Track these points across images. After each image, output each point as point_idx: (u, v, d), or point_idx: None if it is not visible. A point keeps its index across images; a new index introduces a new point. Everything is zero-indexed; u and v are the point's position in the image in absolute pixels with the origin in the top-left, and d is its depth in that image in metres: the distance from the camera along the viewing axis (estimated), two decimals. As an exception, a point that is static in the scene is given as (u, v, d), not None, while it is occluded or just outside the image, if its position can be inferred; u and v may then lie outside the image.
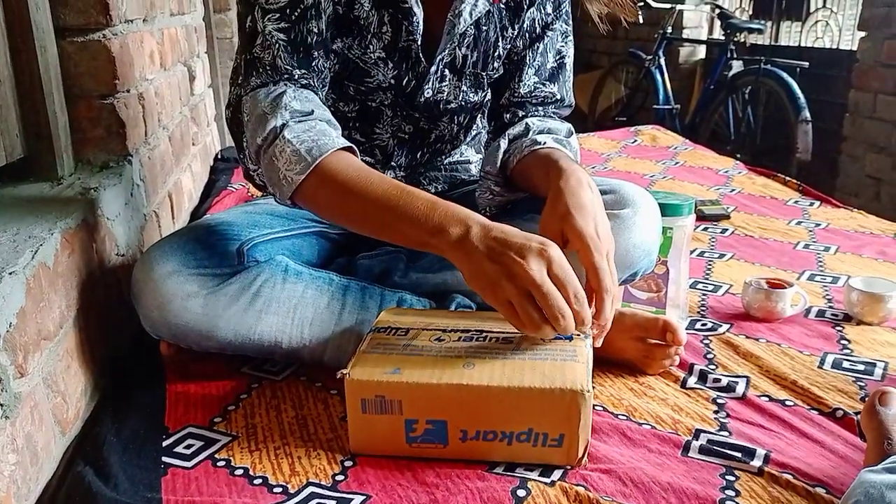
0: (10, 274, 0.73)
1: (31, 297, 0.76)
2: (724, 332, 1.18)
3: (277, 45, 0.93)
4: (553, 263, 0.77)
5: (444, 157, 1.21)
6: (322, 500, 0.76)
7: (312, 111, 0.92)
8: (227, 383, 1.00)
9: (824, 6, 3.61)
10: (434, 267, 1.10)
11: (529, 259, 0.76)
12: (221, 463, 0.83)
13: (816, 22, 3.66)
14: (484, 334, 0.88)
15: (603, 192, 1.03)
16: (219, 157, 2.18)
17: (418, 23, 1.00)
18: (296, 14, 0.93)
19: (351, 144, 0.91)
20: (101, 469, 0.79)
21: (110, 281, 1.04)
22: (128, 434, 0.87)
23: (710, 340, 1.15)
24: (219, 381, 1.00)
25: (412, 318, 0.94)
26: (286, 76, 0.93)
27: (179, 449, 0.85)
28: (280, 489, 0.78)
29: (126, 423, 0.89)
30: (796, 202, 1.99)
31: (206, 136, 2.05)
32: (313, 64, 0.96)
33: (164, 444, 0.86)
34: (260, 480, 0.80)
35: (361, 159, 1.13)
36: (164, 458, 0.83)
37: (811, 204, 1.97)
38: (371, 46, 1.01)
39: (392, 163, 1.16)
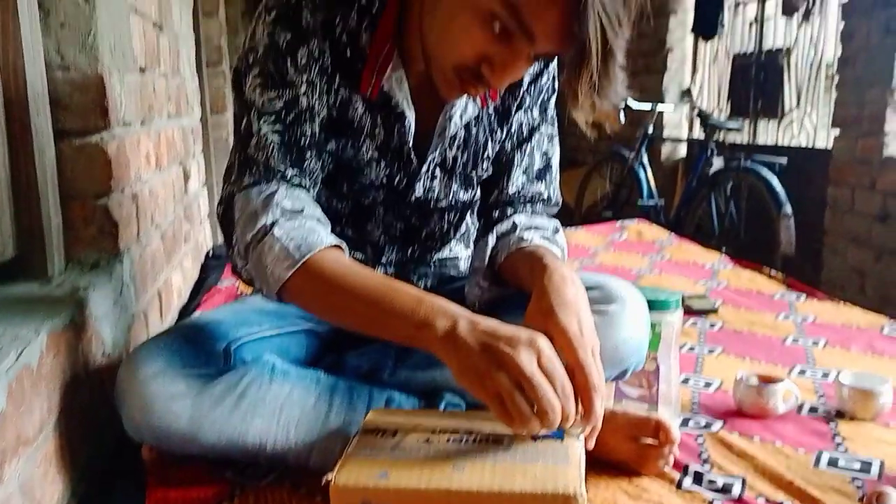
0: (-7, 377, 0.72)
1: (13, 400, 0.75)
2: (717, 430, 1.16)
3: (271, 146, 0.95)
4: (542, 355, 0.77)
5: (433, 253, 1.23)
6: None
7: (303, 209, 0.94)
8: (208, 489, 0.96)
9: (798, 106, 3.77)
10: (423, 364, 1.09)
11: (520, 350, 0.75)
12: (201, 575, 0.79)
13: (792, 121, 3.81)
14: (473, 435, 0.87)
15: (589, 288, 1.04)
16: (210, 254, 2.20)
17: (410, 125, 1.04)
18: (291, 117, 0.97)
19: (340, 242, 0.93)
20: (74, 583, 0.75)
21: (94, 382, 1.02)
22: (104, 544, 0.83)
23: (704, 439, 1.13)
24: (200, 487, 0.97)
25: (400, 419, 0.92)
26: (279, 175, 0.96)
27: (157, 560, 0.82)
28: None
29: (103, 533, 0.86)
30: (783, 296, 2.00)
31: (198, 233, 2.08)
32: (305, 164, 0.98)
33: (142, 555, 0.83)
34: None
35: (352, 255, 1.15)
36: (141, 571, 0.80)
37: (798, 297, 1.99)
38: (364, 147, 1.05)
39: (382, 259, 1.17)
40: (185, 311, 1.69)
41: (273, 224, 0.90)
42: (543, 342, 0.78)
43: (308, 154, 0.98)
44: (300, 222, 0.92)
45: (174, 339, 0.96)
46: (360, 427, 0.90)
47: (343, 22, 0.98)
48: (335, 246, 0.92)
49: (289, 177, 0.96)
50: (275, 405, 0.95)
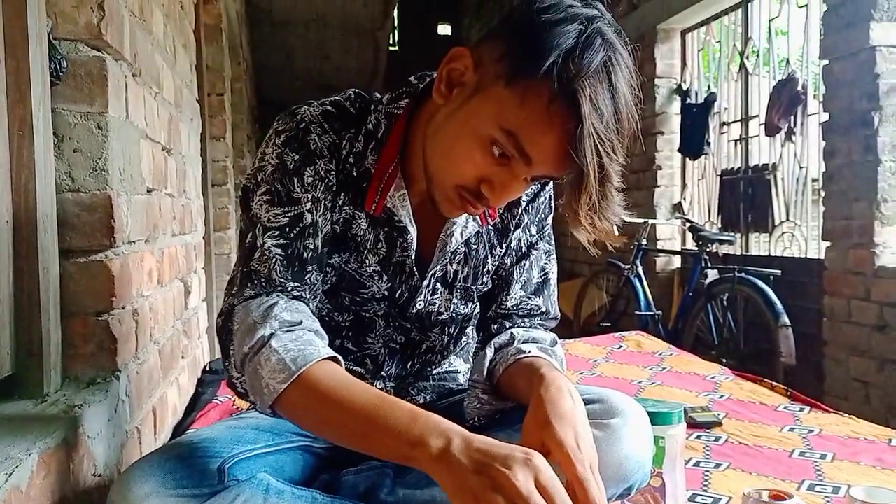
0: (-19, 499, 0.70)
1: (-1, 524, 0.73)
2: (728, 551, 1.12)
3: (274, 260, 0.97)
4: (540, 474, 0.75)
5: (433, 367, 1.23)
6: None
7: (301, 321, 0.94)
8: None
9: (788, 219, 3.85)
10: (422, 483, 1.06)
11: (516, 470, 0.74)
12: None
13: (783, 233, 3.89)
14: (475, 558, 0.83)
15: (590, 402, 1.04)
16: (207, 369, 2.18)
17: (412, 240, 1.07)
18: (295, 232, 0.99)
19: (336, 355, 0.93)
20: None
21: (83, 504, 0.99)
22: None
23: (715, 560, 1.09)
24: None
25: (399, 541, 0.89)
26: (279, 288, 0.97)
27: None
28: None
29: None
30: (786, 408, 1.97)
31: (195, 348, 2.07)
32: (307, 277, 1.00)
33: None
34: None
35: (352, 369, 1.15)
36: None
37: (801, 409, 1.96)
38: (367, 261, 1.07)
39: (382, 373, 1.16)
40: (180, 427, 1.65)
41: (271, 336, 0.91)
42: (539, 461, 0.76)
43: (310, 267, 1.00)
44: (298, 334, 0.92)
45: (167, 458, 0.94)
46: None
47: (350, 144, 1.03)
48: (332, 358, 0.92)
49: (290, 289, 0.98)
50: (269, 527, 0.92)
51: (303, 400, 0.88)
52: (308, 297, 1.00)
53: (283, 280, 0.97)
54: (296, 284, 0.98)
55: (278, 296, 0.96)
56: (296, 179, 1.00)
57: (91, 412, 1.03)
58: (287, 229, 0.99)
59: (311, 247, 1.00)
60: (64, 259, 1.14)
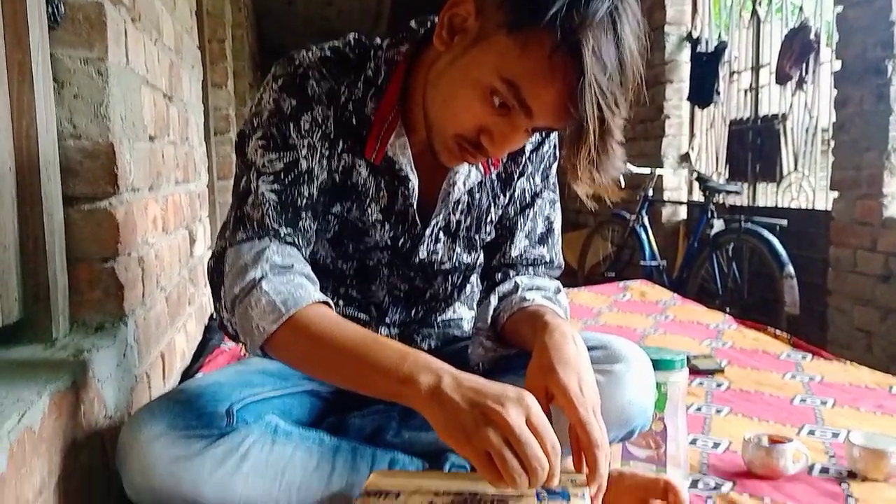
0: (-6, 439, 0.71)
1: (14, 463, 0.74)
2: (727, 492, 1.14)
3: (267, 205, 0.97)
4: (531, 413, 0.76)
5: (437, 314, 1.23)
6: None
7: (292, 265, 0.95)
8: (209, 555, 0.94)
9: (796, 169, 3.82)
10: (427, 425, 1.06)
11: (508, 407, 0.75)
12: None
13: (790, 184, 3.86)
14: (478, 497, 0.85)
15: (594, 348, 1.04)
16: (213, 316, 2.20)
17: (413, 188, 1.06)
18: (289, 178, 0.99)
19: (327, 299, 0.93)
20: None
21: (95, 444, 1.01)
22: None
23: (714, 500, 1.11)
24: (201, 552, 0.95)
25: (403, 481, 0.91)
26: (272, 233, 0.97)
27: None
28: None
29: None
30: (789, 355, 1.99)
31: (202, 296, 2.08)
32: (300, 224, 1.00)
33: None
34: None
35: (356, 316, 1.15)
36: None
37: (804, 357, 1.97)
38: (369, 210, 1.07)
39: (386, 319, 1.17)
40: (188, 372, 1.68)
41: (262, 278, 0.91)
42: (531, 400, 0.77)
43: (303, 215, 1.00)
44: (289, 277, 0.93)
45: (176, 400, 0.96)
46: (362, 489, 0.89)
47: (349, 91, 1.01)
48: (323, 302, 0.92)
49: (282, 235, 0.98)
50: (277, 467, 0.94)
51: (293, 341, 0.89)
52: (301, 243, 1.00)
53: (275, 226, 0.97)
54: (288, 230, 0.98)
55: (270, 240, 0.96)
56: (292, 125, 0.98)
57: (100, 356, 1.05)
58: (281, 175, 0.98)
59: (306, 194, 1.00)
60: (68, 206, 1.14)
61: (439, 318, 1.24)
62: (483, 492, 0.86)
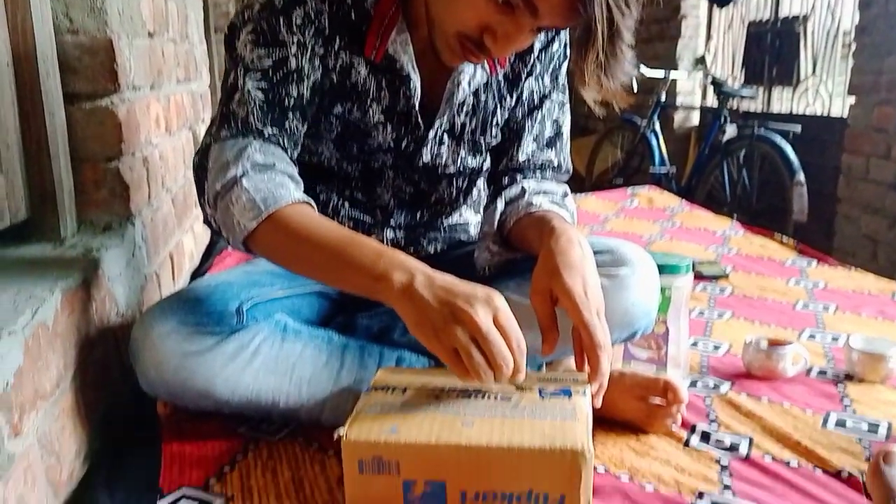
0: (10, 334, 0.73)
1: (30, 356, 0.76)
2: (725, 392, 1.17)
3: (253, 103, 0.95)
4: (499, 312, 0.78)
5: (443, 218, 1.23)
6: (318, 565, 0.74)
7: (274, 164, 0.94)
8: (223, 443, 0.98)
9: (814, 73, 3.71)
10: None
11: (476, 306, 0.76)
12: (215, 526, 0.81)
13: (807, 89, 3.76)
14: (482, 392, 0.88)
15: (600, 252, 1.04)
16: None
17: (415, 88, 1.03)
18: (278, 77, 0.96)
19: (308, 199, 0.93)
20: (93, 533, 0.77)
21: (108, 341, 1.04)
22: (122, 496, 0.85)
23: (712, 400, 1.14)
24: (215, 441, 0.99)
25: (409, 377, 0.93)
26: (255, 133, 0.96)
27: (173, 512, 0.84)
28: (275, 553, 0.76)
29: (120, 485, 0.88)
30: (794, 262, 2.00)
31: (208, 199, 2.08)
32: (286, 125, 0.98)
33: (158, 506, 0.85)
34: (254, 544, 0.78)
35: (361, 219, 1.15)
36: (158, 522, 0.82)
37: (809, 263, 1.98)
38: (371, 111, 1.04)
39: (391, 222, 1.17)
40: (197, 273, 1.70)
41: (242, 176, 0.91)
42: (500, 301, 0.79)
43: (291, 115, 0.98)
44: (270, 176, 0.92)
45: (186, 298, 0.97)
46: (370, 384, 0.92)
47: None
48: (304, 202, 0.92)
49: (266, 135, 0.96)
50: (287, 363, 0.96)
51: (273, 238, 0.90)
52: (287, 144, 0.99)
53: (259, 125, 0.96)
54: (273, 131, 0.97)
55: (254, 139, 0.95)
56: (282, 19, 0.95)
57: (109, 256, 1.06)
58: (270, 73, 0.96)
59: (294, 94, 0.97)
60: (69, 104, 1.12)
61: (445, 223, 1.24)
62: (488, 388, 0.89)
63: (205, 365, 0.92)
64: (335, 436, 0.80)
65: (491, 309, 0.77)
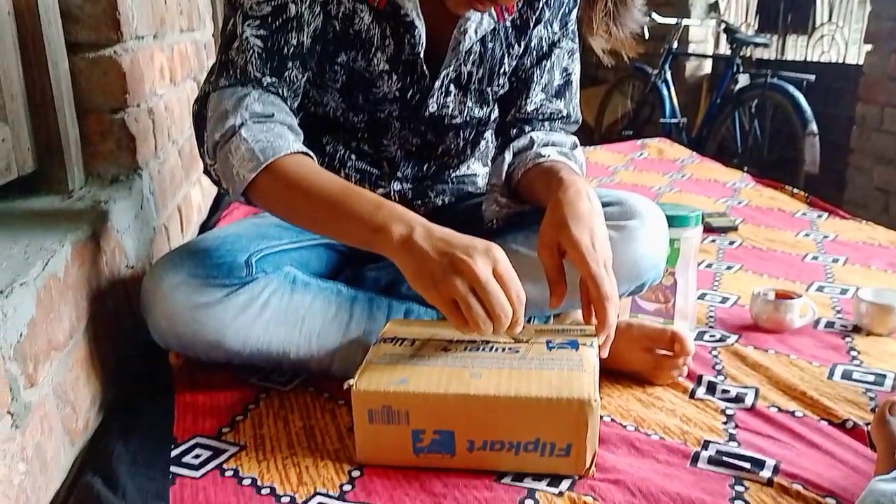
0: (22, 285, 0.73)
1: (42, 308, 0.77)
2: (732, 344, 1.17)
3: (252, 52, 0.94)
4: (498, 264, 0.78)
5: (451, 170, 1.22)
6: (329, 511, 0.76)
7: (273, 114, 0.93)
8: (234, 393, 1.00)
9: (830, 20, 3.62)
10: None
11: (475, 257, 0.77)
12: (229, 473, 0.83)
13: (822, 36, 3.67)
14: (490, 344, 0.89)
15: (610, 204, 1.04)
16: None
17: (420, 36, 1.01)
18: (277, 24, 0.95)
19: (307, 150, 0.92)
20: (110, 479, 0.79)
21: (119, 293, 1.05)
22: (136, 444, 0.87)
23: (719, 352, 1.15)
24: (227, 391, 1.00)
25: (418, 329, 0.94)
26: (254, 81, 0.95)
27: (188, 459, 0.86)
28: (287, 499, 0.78)
29: (134, 434, 0.89)
30: (804, 214, 1.98)
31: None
32: (286, 74, 0.97)
33: (173, 454, 0.86)
34: (268, 490, 0.80)
35: (368, 170, 1.14)
36: (173, 468, 0.84)
37: (819, 216, 1.97)
38: (375, 59, 1.02)
39: (398, 174, 1.16)
40: (206, 225, 1.70)
41: (241, 125, 0.90)
42: (499, 252, 0.79)
43: (290, 64, 0.97)
44: (269, 126, 0.92)
45: (195, 250, 0.98)
46: (379, 336, 0.92)
47: None
48: (303, 153, 0.92)
49: (265, 84, 0.95)
50: (297, 315, 0.97)
51: (272, 188, 0.90)
52: (287, 94, 0.98)
53: (258, 74, 0.94)
54: (273, 80, 0.95)
55: (253, 88, 0.94)
56: None
57: (117, 208, 1.06)
58: (269, 20, 0.94)
59: (294, 42, 0.96)
60: (72, 54, 1.11)
61: (453, 174, 1.23)
62: (495, 339, 0.89)
63: (215, 317, 0.93)
64: (345, 386, 0.81)
65: (490, 260, 0.78)
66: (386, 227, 0.81)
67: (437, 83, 1.06)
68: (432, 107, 1.09)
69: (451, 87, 1.08)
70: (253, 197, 0.92)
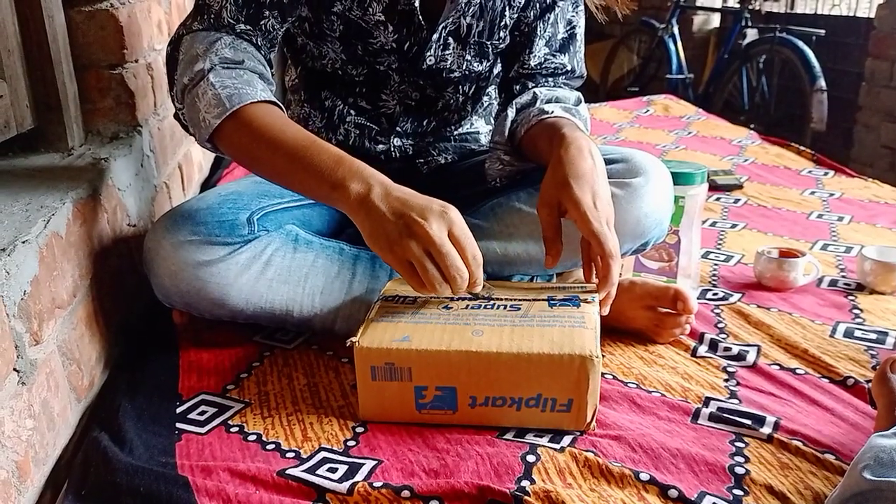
0: (24, 243, 0.73)
1: (45, 265, 0.77)
2: (735, 302, 1.17)
3: None
4: (454, 226, 0.78)
5: (453, 127, 1.20)
6: (334, 465, 0.76)
7: (243, 61, 0.92)
8: (239, 351, 1.01)
9: (842, -28, 3.54)
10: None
11: (430, 220, 0.77)
12: (235, 429, 0.84)
13: (833, -12, 3.60)
14: (492, 302, 0.89)
15: (615, 161, 1.03)
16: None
17: None
18: None
19: (274, 99, 0.91)
20: (117, 435, 0.80)
21: (122, 251, 1.05)
22: (142, 401, 0.88)
23: (722, 310, 1.15)
24: (231, 349, 1.01)
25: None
26: (227, 28, 0.93)
27: (193, 415, 0.87)
28: (293, 454, 0.79)
29: (140, 391, 0.90)
30: (810, 172, 1.96)
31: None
32: (262, 22, 0.95)
33: (178, 410, 0.87)
34: (273, 446, 0.81)
35: (366, 125, 1.13)
36: (178, 425, 0.84)
37: (825, 174, 1.95)
38: (371, 9, 1.00)
39: (397, 128, 1.15)
40: (207, 184, 1.70)
41: (210, 70, 0.89)
42: (455, 214, 0.79)
43: (267, 13, 0.95)
44: (238, 73, 0.90)
45: (198, 208, 0.97)
46: (381, 294, 0.93)
47: None
48: (271, 102, 0.90)
49: (239, 31, 0.94)
50: (300, 273, 0.97)
51: (237, 136, 0.89)
52: (261, 42, 0.96)
53: (232, 20, 0.93)
54: (247, 28, 0.94)
55: (226, 33, 0.93)
56: None
57: (118, 165, 1.05)
58: None
59: None
60: (68, 8, 1.09)
61: (455, 132, 1.21)
62: (497, 297, 0.90)
63: (218, 275, 0.93)
64: (348, 343, 0.81)
65: (445, 222, 0.77)
66: (343, 183, 0.81)
67: (435, 35, 1.04)
68: (430, 59, 1.07)
69: (450, 40, 1.06)
70: (219, 144, 0.91)
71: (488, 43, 1.09)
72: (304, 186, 0.86)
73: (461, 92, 1.15)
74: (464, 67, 1.10)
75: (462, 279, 0.78)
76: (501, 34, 1.08)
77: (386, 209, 0.78)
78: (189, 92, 0.90)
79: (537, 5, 1.08)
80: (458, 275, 0.77)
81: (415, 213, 0.77)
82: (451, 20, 1.03)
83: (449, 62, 1.08)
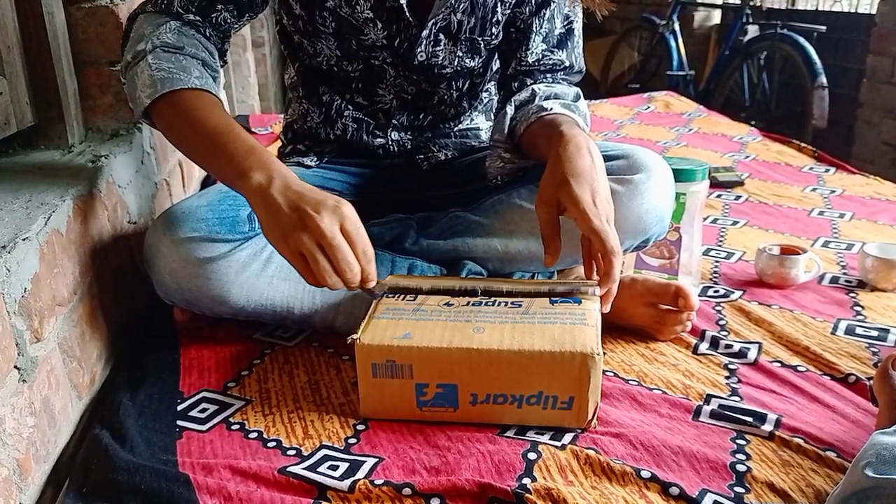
0: (24, 240, 0.73)
1: (45, 262, 0.77)
2: (736, 299, 1.17)
3: None
4: (346, 220, 0.79)
5: (452, 123, 1.20)
6: (335, 463, 0.76)
7: (183, 47, 0.93)
8: (240, 349, 1.01)
9: (843, -32, 3.54)
10: (444, 234, 1.10)
11: (323, 213, 0.77)
12: (235, 426, 0.84)
13: (835, -16, 3.59)
14: (493, 299, 0.89)
15: (616, 158, 1.02)
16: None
17: None
18: None
19: (207, 87, 0.92)
20: (118, 432, 0.80)
21: (122, 248, 1.05)
22: (143, 399, 0.88)
23: (723, 307, 1.15)
24: (232, 346, 1.01)
25: (420, 282, 0.94)
26: (175, 15, 0.95)
27: (194, 413, 0.87)
28: (294, 451, 0.79)
29: (141, 388, 0.90)
30: (811, 169, 1.96)
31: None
32: (213, 16, 0.97)
33: (179, 408, 0.87)
34: (273, 443, 0.81)
35: (362, 118, 1.13)
36: (179, 422, 0.84)
37: (826, 171, 1.95)
38: (359, 6, 1.00)
39: (394, 121, 1.15)
40: (207, 182, 1.69)
41: (150, 52, 0.91)
42: (348, 210, 0.79)
43: (220, 7, 0.97)
44: (177, 58, 0.91)
45: (198, 205, 0.97)
46: (382, 291, 0.92)
47: None
48: (203, 89, 0.91)
49: (187, 21, 0.95)
50: (300, 271, 0.97)
51: (167, 117, 0.90)
52: (211, 33, 0.98)
53: (180, 9, 0.95)
54: (196, 18, 0.96)
55: (173, 19, 0.94)
56: None
57: (118, 162, 1.05)
58: None
59: None
60: (68, 4, 1.09)
61: (456, 128, 1.21)
62: (497, 293, 0.89)
63: (219, 272, 0.93)
64: (349, 340, 0.81)
65: (338, 216, 0.78)
66: (248, 173, 0.81)
67: (425, 32, 1.04)
68: (421, 56, 1.06)
69: (441, 36, 1.06)
70: (155, 121, 0.93)
71: (480, 39, 1.08)
72: (216, 170, 0.87)
73: (455, 87, 1.14)
74: (455, 63, 1.09)
75: (352, 272, 0.79)
76: (493, 30, 1.08)
77: (283, 202, 0.79)
78: (130, 69, 0.92)
79: (532, 1, 1.07)
80: (347, 268, 0.78)
81: (309, 206, 0.78)
82: (441, 17, 1.03)
83: (440, 58, 1.08)
